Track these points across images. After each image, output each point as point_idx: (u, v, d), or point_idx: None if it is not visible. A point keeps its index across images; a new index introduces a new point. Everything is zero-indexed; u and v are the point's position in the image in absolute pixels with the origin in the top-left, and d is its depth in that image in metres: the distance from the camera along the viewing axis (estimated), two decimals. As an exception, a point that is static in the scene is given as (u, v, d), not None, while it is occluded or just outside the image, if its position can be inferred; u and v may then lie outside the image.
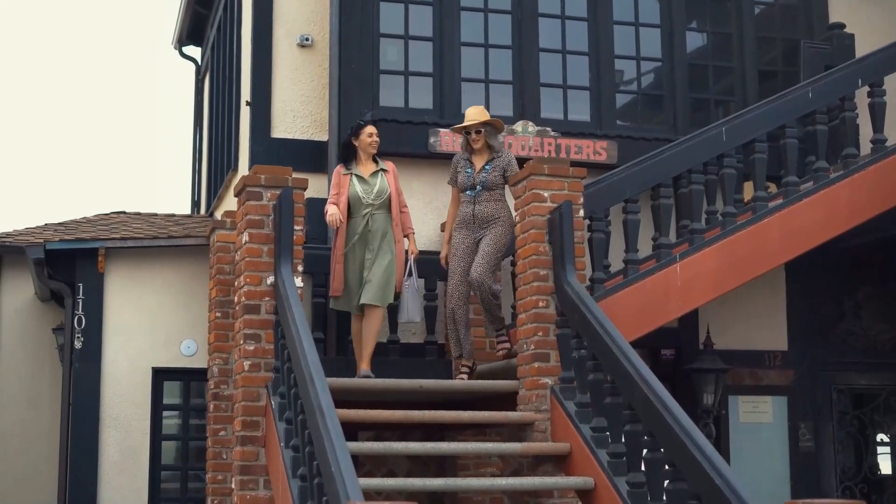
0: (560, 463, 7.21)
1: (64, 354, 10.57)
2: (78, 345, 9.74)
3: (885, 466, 11.55)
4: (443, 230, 9.21)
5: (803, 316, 10.87)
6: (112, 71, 37.99)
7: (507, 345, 8.38)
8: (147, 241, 9.94)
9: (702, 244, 8.65)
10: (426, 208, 9.78)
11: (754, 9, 11.18)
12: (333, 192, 8.54)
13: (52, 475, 11.23)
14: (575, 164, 8.09)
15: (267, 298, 7.44)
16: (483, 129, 8.46)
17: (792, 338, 10.85)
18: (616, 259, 8.85)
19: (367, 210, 8.42)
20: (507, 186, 8.42)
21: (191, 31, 15.23)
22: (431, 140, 9.77)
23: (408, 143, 9.71)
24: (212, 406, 8.90)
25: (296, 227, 7.49)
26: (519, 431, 7.68)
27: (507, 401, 7.87)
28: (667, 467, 6.07)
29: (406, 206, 8.70)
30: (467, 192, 8.45)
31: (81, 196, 33.90)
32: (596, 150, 10.18)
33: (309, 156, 9.78)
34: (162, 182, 33.68)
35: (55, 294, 11.02)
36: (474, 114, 8.51)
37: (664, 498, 6.13)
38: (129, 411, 9.86)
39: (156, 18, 32.07)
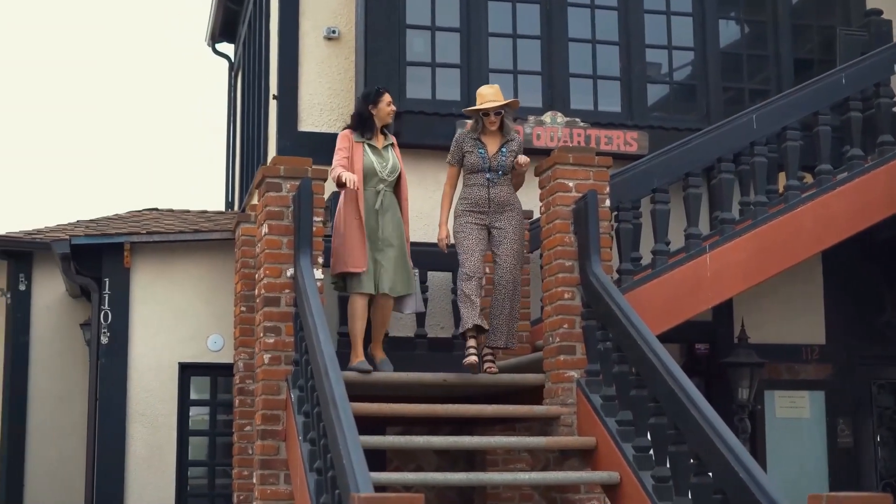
0: (586, 457, 7.05)
1: (91, 349, 10.54)
2: (104, 340, 9.70)
3: (927, 463, 11.30)
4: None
5: (841, 309, 10.67)
6: (150, 70, 38.20)
7: (495, 368, 7.92)
8: (173, 236, 9.87)
9: (732, 234, 8.50)
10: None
11: (790, -4, 10.98)
12: (342, 154, 7.93)
13: (82, 470, 11.21)
14: (605, 154, 7.85)
15: (287, 291, 7.32)
16: (503, 111, 8.09)
17: (830, 331, 10.65)
18: (648, 252, 8.69)
19: (380, 186, 7.99)
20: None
21: (223, 28, 15.25)
22: (459, 132, 9.63)
23: (435, 135, 9.60)
24: (237, 401, 8.84)
25: (315, 219, 7.36)
26: (546, 426, 7.52)
27: (534, 395, 7.72)
28: (692, 461, 5.91)
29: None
30: (482, 175, 8.00)
31: (120, 196, 34.13)
32: (627, 140, 10.02)
33: (336, 149, 9.69)
34: (198, 180, 33.75)
35: (84, 290, 11.01)
36: (490, 93, 8.07)
37: (689, 494, 5.97)
38: (156, 406, 9.79)
39: (190, 16, 32.14)
